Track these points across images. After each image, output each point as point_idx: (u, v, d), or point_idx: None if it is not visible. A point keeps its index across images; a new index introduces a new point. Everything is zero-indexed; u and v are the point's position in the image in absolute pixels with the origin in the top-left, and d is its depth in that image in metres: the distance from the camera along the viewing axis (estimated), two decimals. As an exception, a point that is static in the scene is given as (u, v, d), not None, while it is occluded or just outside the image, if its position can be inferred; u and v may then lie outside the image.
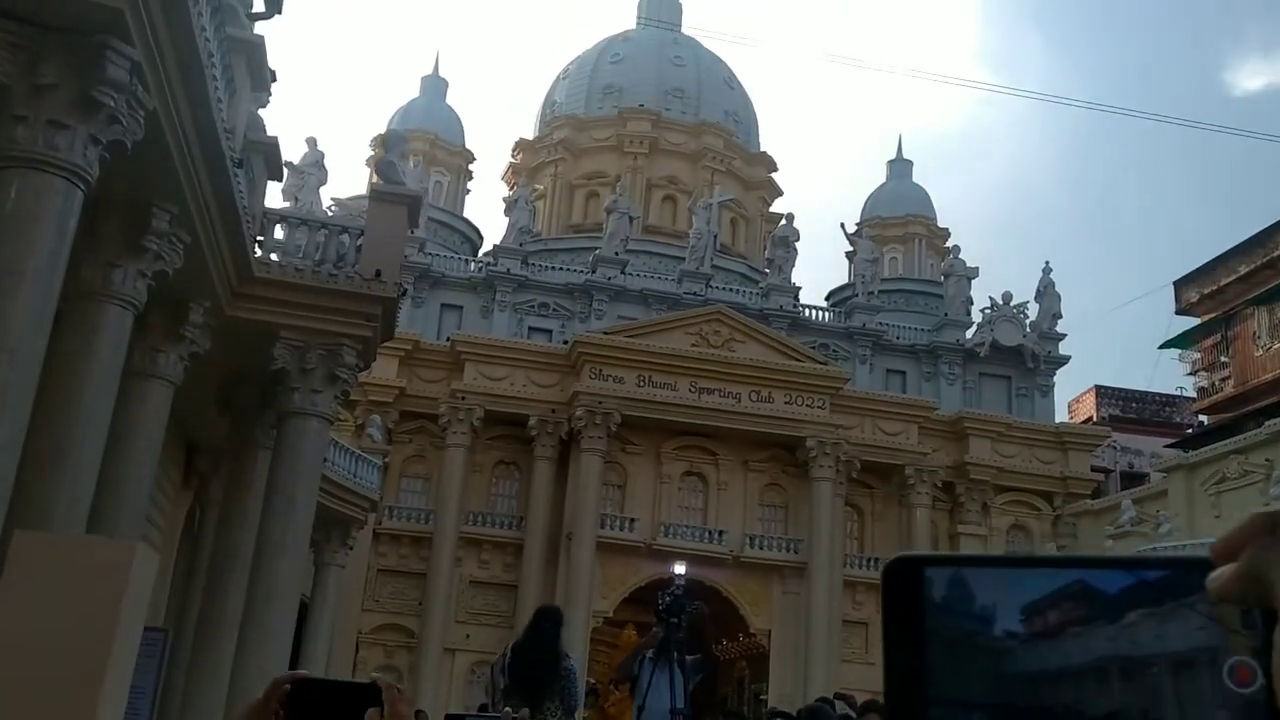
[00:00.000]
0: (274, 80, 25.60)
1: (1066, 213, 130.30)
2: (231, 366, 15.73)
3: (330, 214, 34.30)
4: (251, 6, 21.10)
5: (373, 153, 44.81)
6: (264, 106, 16.29)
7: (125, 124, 8.89)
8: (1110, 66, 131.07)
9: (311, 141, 37.75)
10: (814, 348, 39.90)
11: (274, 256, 15.14)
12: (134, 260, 11.14)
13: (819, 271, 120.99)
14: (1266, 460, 30.44)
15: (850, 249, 46.00)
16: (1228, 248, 44.29)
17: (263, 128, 14.71)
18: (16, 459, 8.27)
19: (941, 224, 48.85)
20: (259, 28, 25.11)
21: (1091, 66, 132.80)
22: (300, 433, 14.46)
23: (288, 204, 37.56)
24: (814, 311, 43.29)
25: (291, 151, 63.64)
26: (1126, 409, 54.99)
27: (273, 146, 14.61)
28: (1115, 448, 49.03)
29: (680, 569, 30.67)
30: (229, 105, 12.18)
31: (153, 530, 17.50)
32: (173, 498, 19.24)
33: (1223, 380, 43.93)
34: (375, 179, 15.58)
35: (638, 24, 54.32)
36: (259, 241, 14.41)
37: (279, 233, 15.77)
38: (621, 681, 11.86)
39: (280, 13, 24.82)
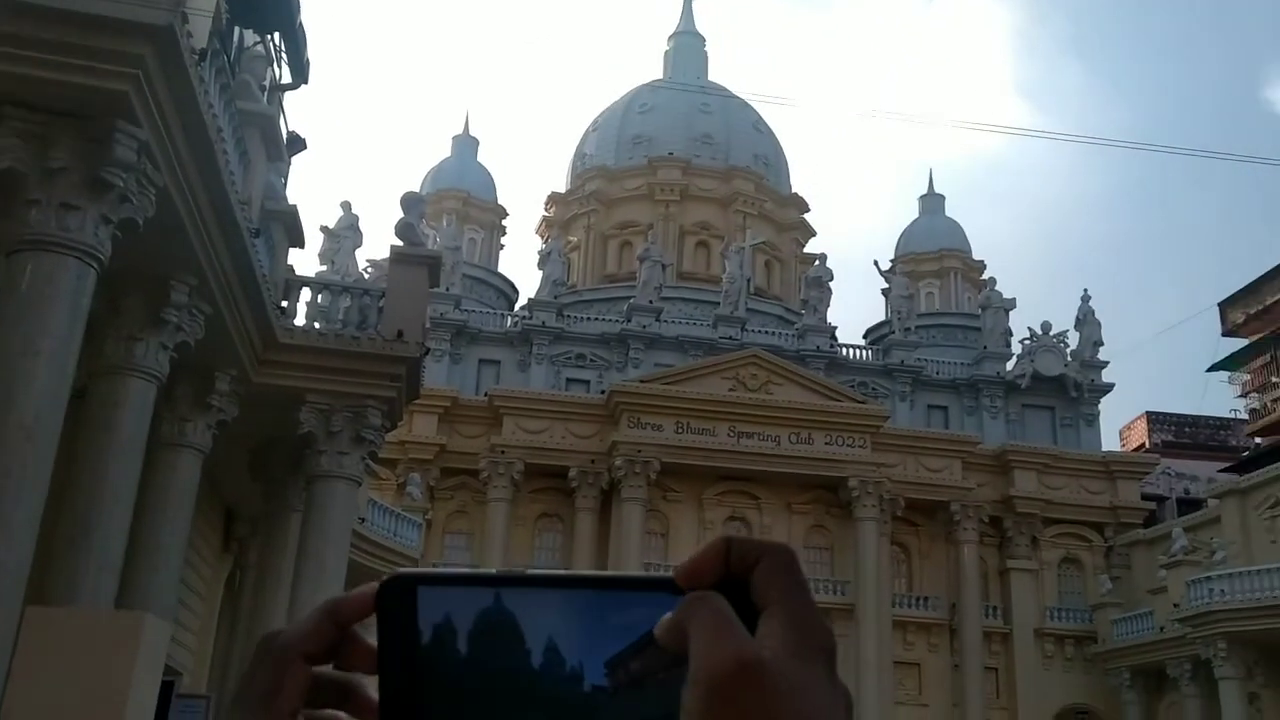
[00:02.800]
0: (303, 147, 26.07)
1: (1108, 240, 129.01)
2: (262, 432, 15.95)
3: (366, 275, 34.86)
4: (273, 78, 21.66)
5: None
6: (284, 175, 16.63)
7: (136, 202, 9.14)
8: (1150, 89, 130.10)
9: (346, 205, 38.47)
10: (853, 387, 39.69)
11: (298, 322, 15.41)
12: (155, 333, 11.37)
13: (856, 310, 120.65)
14: (1321, 482, 29.76)
15: (886, 286, 45.81)
16: (1272, 266, 43.68)
17: (282, 196, 15.01)
18: (35, 536, 8.42)
19: (977, 257, 48.57)
20: (289, 97, 25.65)
21: (1131, 90, 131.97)
22: (328, 495, 14.60)
23: (324, 268, 38.23)
24: (851, 350, 43.09)
25: (327, 216, 64.50)
26: (1180, 434, 53.95)
27: (292, 214, 14.90)
28: (1169, 474, 48.06)
29: None
30: (244, 177, 12.47)
31: (192, 596, 17.72)
32: (213, 564, 19.45)
33: (1275, 401, 43.07)
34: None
35: (665, 74, 54.86)
36: (282, 308, 14.64)
37: (305, 297, 16.08)
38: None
39: (307, 82, 25.38)
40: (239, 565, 20.50)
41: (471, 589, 0.58)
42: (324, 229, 39.16)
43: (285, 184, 23.00)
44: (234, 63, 14.20)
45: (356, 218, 37.85)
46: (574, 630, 0.56)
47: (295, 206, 15.03)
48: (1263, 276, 44.09)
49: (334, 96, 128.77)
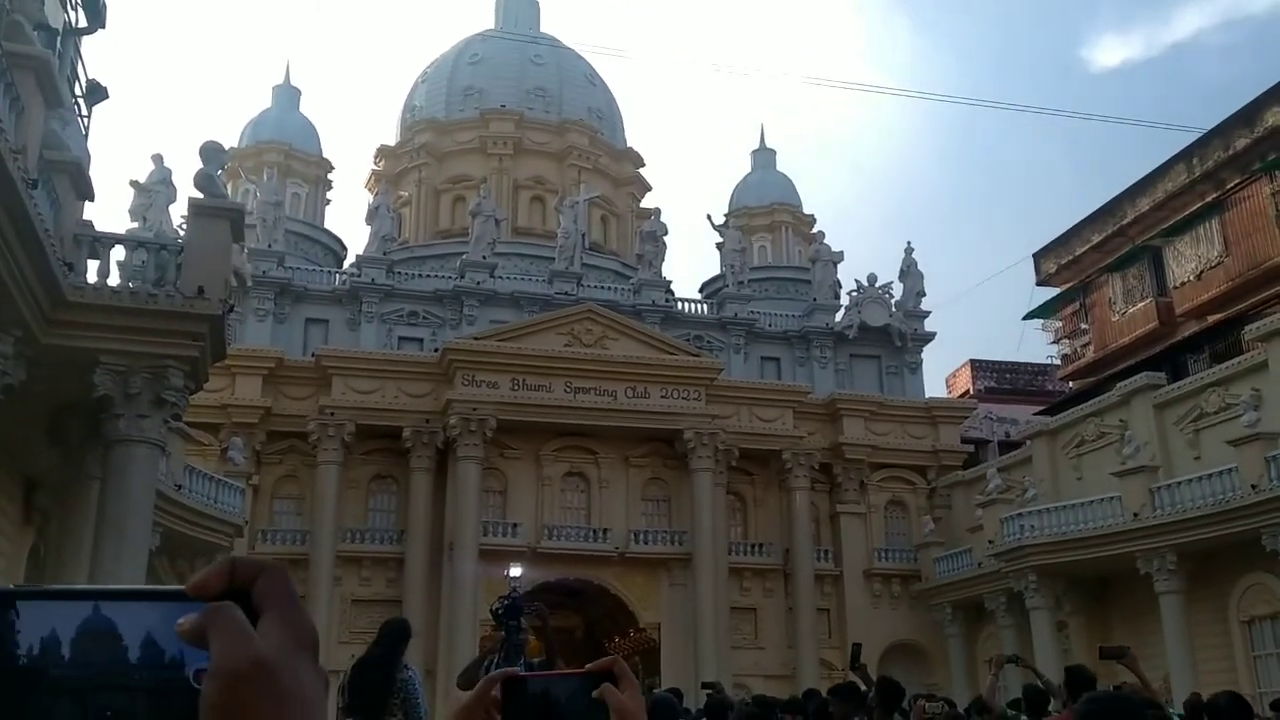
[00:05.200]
0: (104, 97, 24.51)
1: (936, 193, 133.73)
2: (58, 396, 15.04)
3: (181, 232, 33.18)
4: (68, 22, 20.19)
5: (225, 166, 43.48)
6: (73, 124, 15.57)
7: (-124, 146, 8.34)
8: (977, 47, 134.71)
9: (158, 159, 36.43)
10: (688, 340, 40.08)
11: (92, 279, 14.52)
12: (-83, 292, 10.51)
13: (693, 264, 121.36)
14: (1120, 421, 31.59)
15: (720, 240, 46.31)
16: (1081, 218, 45.96)
17: (66, 146, 14.02)
18: None
19: (808, 211, 49.55)
20: (86, 42, 24.04)
21: (959, 47, 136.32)
22: (128, 460, 13.90)
23: (135, 224, 36.25)
24: (686, 304, 43.48)
25: (140, 170, 61.02)
26: (1001, 380, 56.37)
27: (77, 165, 13.95)
28: (991, 418, 50.27)
29: (516, 571, 30.55)
30: (16, 124, 11.58)
31: (-12, 574, 16.68)
32: (12, 536, 18.33)
33: (1084, 346, 45.47)
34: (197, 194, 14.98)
35: (496, 24, 53.88)
36: (70, 265, 13.75)
37: (114, 256, 15.14)
38: (466, 687, 11.63)
39: (104, 26, 23.85)
40: (42, 538, 19.41)
41: (67, 603, 0.68)
42: (134, 184, 37.09)
43: (86, 134, 21.57)
44: (2, 4, 13.12)
45: (170, 171, 35.84)
46: (169, 630, 0.69)
47: (80, 157, 14.09)
48: (1072, 229, 46.33)
49: (146, 44, 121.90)
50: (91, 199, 15.07)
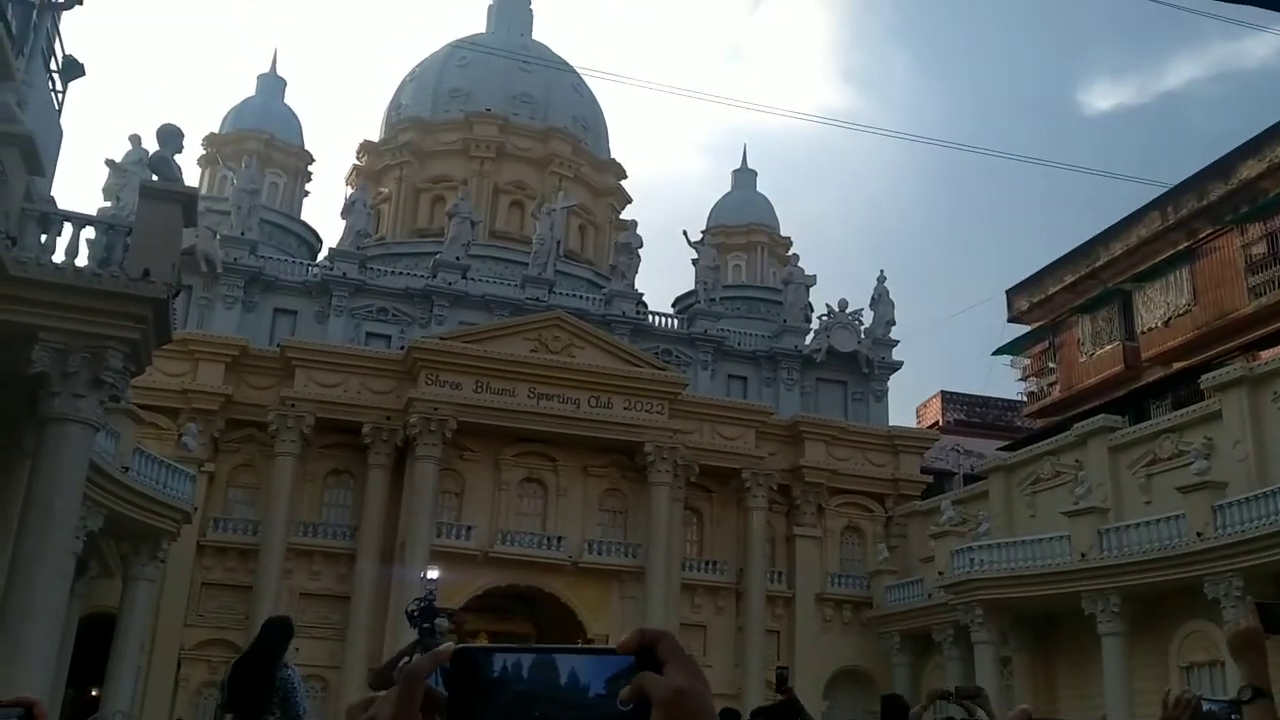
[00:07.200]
0: (80, 73, 24.37)
1: (920, 224, 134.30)
2: (-5, 371, 14.93)
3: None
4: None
5: (204, 152, 43.38)
6: (32, 99, 15.48)
7: None
8: (975, 84, 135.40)
9: (135, 139, 36.35)
10: (657, 354, 40.11)
11: (51, 255, 14.43)
12: None
13: (670, 278, 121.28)
14: (1076, 461, 31.80)
15: (695, 256, 46.44)
16: (1055, 259, 46.29)
17: (17, 119, 13.95)
18: None
19: (785, 233, 49.73)
20: (67, 18, 23.95)
21: (955, 86, 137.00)
22: (60, 440, 13.81)
23: (108, 204, 36.12)
24: (657, 318, 43.54)
25: (116, 150, 60.85)
26: (970, 413, 56.62)
27: (27, 139, 13.88)
28: (959, 451, 50.50)
29: (434, 574, 30.27)
30: (-40, 93, 11.52)
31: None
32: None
33: (1050, 385, 45.71)
34: (152, 175, 14.94)
35: (487, 29, 53.99)
36: (12, 239, 13.68)
37: (69, 234, 15.04)
38: (378, 689, 11.60)
39: (81, 2, 23.73)
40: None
41: (505, 654, 1.05)
42: (110, 163, 37.06)
43: (59, 110, 21.46)
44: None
45: (147, 152, 35.70)
46: (585, 667, 1.03)
47: (31, 131, 14.00)
48: (1046, 268, 46.66)
49: (134, 25, 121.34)
50: (42, 174, 15.00)
